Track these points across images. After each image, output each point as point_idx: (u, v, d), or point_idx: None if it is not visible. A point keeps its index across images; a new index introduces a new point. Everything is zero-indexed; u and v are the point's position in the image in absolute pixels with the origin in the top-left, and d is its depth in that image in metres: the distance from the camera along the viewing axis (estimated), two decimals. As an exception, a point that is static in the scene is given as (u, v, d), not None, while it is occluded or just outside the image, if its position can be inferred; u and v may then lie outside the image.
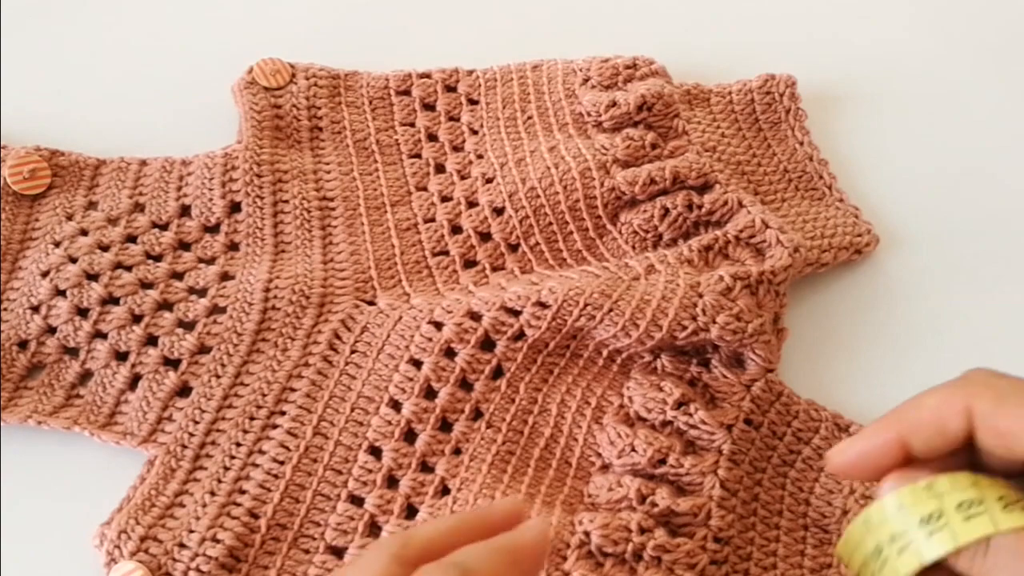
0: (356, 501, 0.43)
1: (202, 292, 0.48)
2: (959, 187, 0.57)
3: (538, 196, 0.52)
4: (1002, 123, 0.60)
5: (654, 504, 0.41)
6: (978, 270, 0.53)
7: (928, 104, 0.61)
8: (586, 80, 0.57)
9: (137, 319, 0.47)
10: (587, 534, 0.40)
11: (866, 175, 0.57)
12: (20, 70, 0.57)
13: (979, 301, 0.52)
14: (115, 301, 0.47)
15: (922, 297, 0.52)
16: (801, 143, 0.57)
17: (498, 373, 0.46)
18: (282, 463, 0.43)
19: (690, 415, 0.44)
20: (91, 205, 0.51)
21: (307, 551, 0.41)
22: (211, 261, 0.49)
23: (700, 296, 0.45)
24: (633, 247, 0.51)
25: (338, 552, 0.41)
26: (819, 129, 0.58)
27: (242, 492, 0.42)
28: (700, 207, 0.51)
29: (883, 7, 0.66)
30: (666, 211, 0.51)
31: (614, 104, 0.54)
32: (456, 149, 0.55)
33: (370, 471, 0.43)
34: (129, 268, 0.48)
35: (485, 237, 0.52)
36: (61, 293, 0.47)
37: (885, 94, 0.61)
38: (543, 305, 0.46)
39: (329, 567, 0.40)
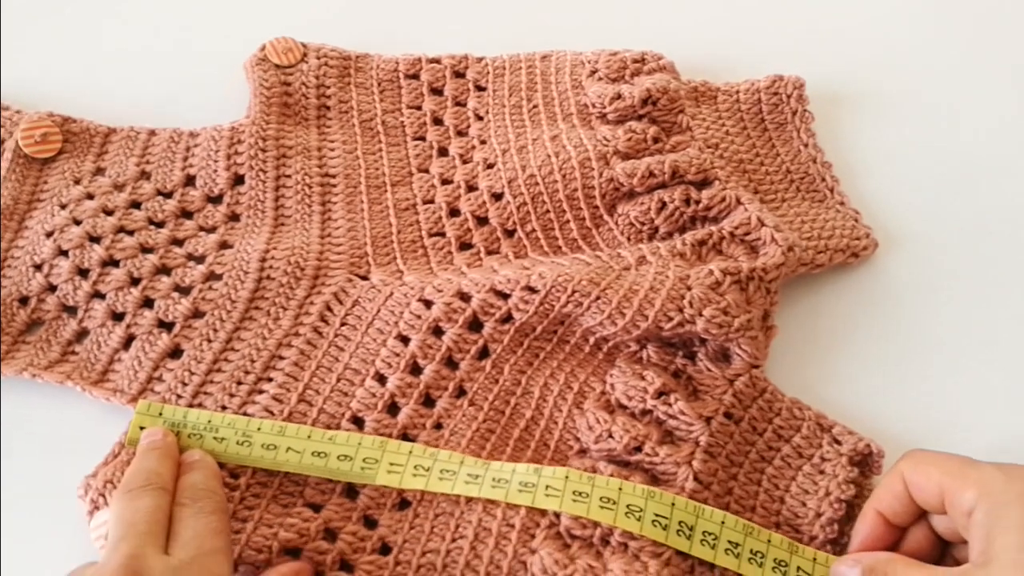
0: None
1: (200, 259, 0.49)
2: (961, 190, 0.56)
3: (537, 184, 0.52)
4: (1008, 127, 0.60)
5: None
6: (975, 275, 0.53)
7: (935, 107, 0.60)
8: (593, 72, 0.57)
9: (135, 282, 0.48)
10: (557, 515, 0.41)
11: (870, 177, 0.57)
12: (38, 43, 0.59)
13: (973, 307, 0.52)
14: (115, 263, 0.48)
15: (917, 301, 0.52)
16: (806, 145, 0.57)
17: (484, 354, 0.47)
18: (264, 424, 0.44)
19: (669, 405, 0.44)
20: (99, 171, 0.52)
21: (286, 505, 0.42)
22: (211, 230, 0.50)
23: (688, 289, 0.46)
24: (629, 238, 0.51)
25: (316, 507, 0.42)
26: (825, 130, 0.58)
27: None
28: (698, 202, 0.51)
29: (894, 9, 0.66)
30: (663, 204, 0.51)
31: (619, 97, 0.55)
32: (460, 134, 0.56)
33: (350, 440, 0.44)
34: (131, 232, 0.49)
35: (482, 221, 0.52)
36: (63, 253, 0.48)
37: (894, 96, 0.61)
38: (532, 290, 0.46)
39: (307, 518, 0.41)
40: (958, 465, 0.38)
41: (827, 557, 0.41)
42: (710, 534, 0.41)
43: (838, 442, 0.45)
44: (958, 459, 0.38)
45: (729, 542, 0.41)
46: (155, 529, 0.37)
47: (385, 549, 0.41)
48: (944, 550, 0.40)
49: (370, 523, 0.42)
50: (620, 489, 0.41)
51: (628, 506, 0.40)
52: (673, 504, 0.41)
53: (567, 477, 0.41)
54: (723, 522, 0.41)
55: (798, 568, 0.41)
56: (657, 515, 0.40)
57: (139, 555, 0.36)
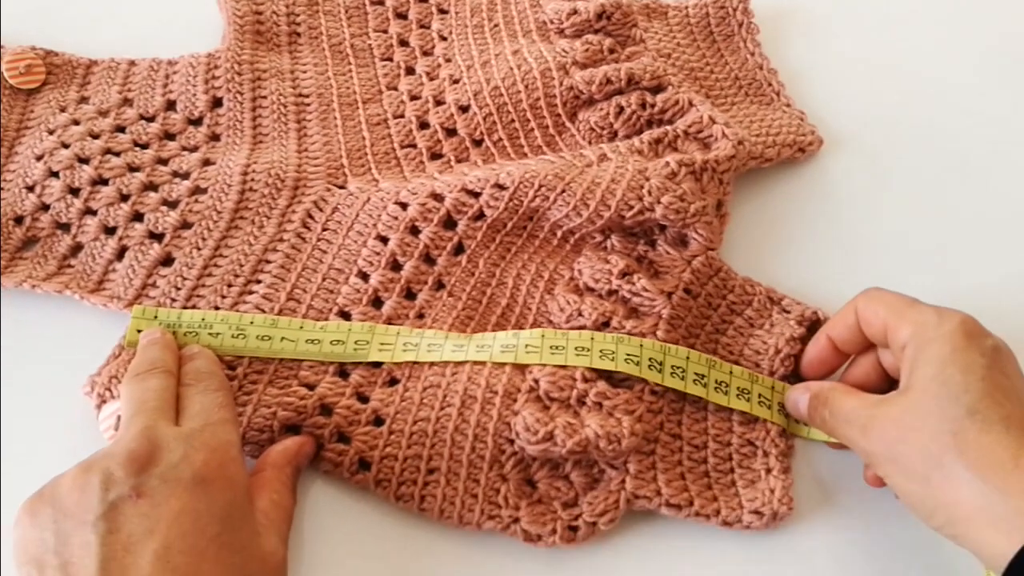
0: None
1: (185, 175, 0.52)
2: (898, 97, 0.61)
3: (501, 95, 0.55)
4: (943, 38, 0.64)
5: None
6: (908, 171, 0.58)
7: (873, 20, 0.65)
8: (550, -10, 0.60)
9: (124, 198, 0.50)
10: (536, 381, 0.44)
11: (813, 85, 0.61)
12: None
13: (906, 200, 0.56)
14: (104, 182, 0.51)
15: (857, 194, 0.56)
16: (752, 54, 0.60)
17: (459, 250, 0.50)
18: (257, 320, 0.47)
19: (633, 284, 0.48)
20: (83, 100, 0.55)
21: (282, 388, 0.45)
22: (194, 149, 0.53)
23: (647, 179, 0.49)
24: (590, 143, 0.55)
25: (311, 386, 0.45)
26: (770, 43, 0.62)
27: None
28: (653, 106, 0.54)
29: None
30: (621, 109, 0.54)
31: (575, 12, 0.58)
32: (426, 54, 0.59)
33: (340, 330, 0.47)
34: (118, 154, 0.52)
35: (451, 132, 0.55)
36: (54, 174, 0.50)
37: (834, 11, 0.65)
38: (501, 187, 0.49)
39: (303, 395, 0.44)
40: (902, 305, 0.41)
41: (783, 385, 0.46)
42: (678, 367, 0.45)
43: (787, 311, 0.49)
44: (905, 300, 0.42)
45: (696, 374, 0.45)
46: (164, 406, 0.40)
47: (378, 421, 0.44)
48: (891, 382, 0.44)
49: (363, 399, 0.45)
50: (592, 339, 0.45)
51: (601, 351, 0.44)
52: (642, 345, 0.45)
53: (543, 335, 0.45)
54: (688, 357, 0.45)
55: (759, 395, 0.45)
56: (629, 355, 0.44)
57: (152, 426, 0.38)
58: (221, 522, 0.36)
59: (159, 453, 0.37)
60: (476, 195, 0.50)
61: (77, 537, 0.35)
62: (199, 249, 0.49)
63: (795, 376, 0.47)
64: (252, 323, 0.46)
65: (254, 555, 0.37)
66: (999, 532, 0.34)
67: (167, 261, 0.49)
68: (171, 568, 0.34)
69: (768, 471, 0.43)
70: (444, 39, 0.59)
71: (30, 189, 0.50)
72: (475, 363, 0.45)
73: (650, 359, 0.44)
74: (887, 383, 0.44)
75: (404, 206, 0.50)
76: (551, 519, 0.42)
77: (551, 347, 0.45)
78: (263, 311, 0.47)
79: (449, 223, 0.50)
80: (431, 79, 0.57)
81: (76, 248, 0.50)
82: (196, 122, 0.54)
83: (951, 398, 0.37)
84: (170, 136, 0.53)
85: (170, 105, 0.55)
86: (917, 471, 0.37)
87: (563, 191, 0.49)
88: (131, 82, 0.55)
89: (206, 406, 0.40)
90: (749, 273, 0.51)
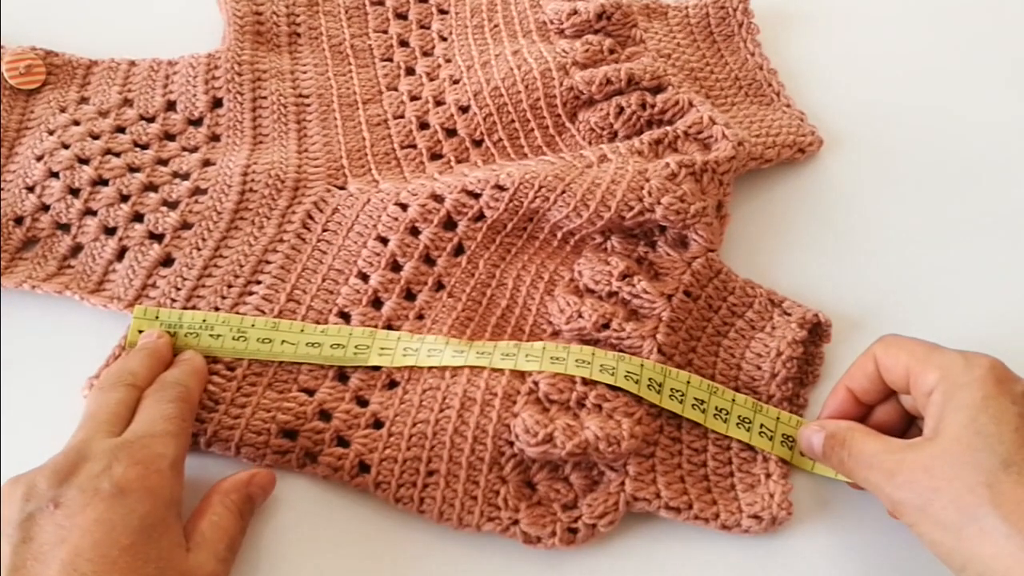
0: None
1: (185, 176, 0.52)
2: (898, 97, 0.61)
3: (501, 95, 0.55)
4: (941, 37, 0.64)
5: None
6: (909, 173, 0.58)
7: (873, 20, 0.65)
8: (550, -9, 0.60)
9: (124, 198, 0.50)
10: (536, 383, 0.44)
11: (813, 85, 0.61)
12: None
13: (907, 201, 0.56)
14: (104, 183, 0.51)
15: (857, 195, 0.56)
16: (752, 54, 0.60)
17: (459, 251, 0.50)
18: (257, 320, 0.47)
19: (633, 285, 0.48)
20: (83, 100, 0.55)
21: (281, 392, 0.45)
22: (194, 150, 0.53)
23: (647, 180, 0.49)
24: (590, 143, 0.55)
25: (310, 392, 0.45)
26: (770, 43, 0.62)
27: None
28: (653, 106, 0.54)
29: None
30: (621, 109, 0.54)
31: (575, 12, 0.58)
32: (426, 54, 0.59)
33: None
34: (118, 154, 0.52)
35: (451, 133, 0.55)
36: (54, 175, 0.50)
37: (833, 10, 0.65)
38: (501, 188, 0.49)
39: (302, 401, 0.44)
40: (925, 350, 0.40)
41: (789, 416, 0.45)
42: (677, 391, 0.44)
43: (788, 313, 0.49)
44: (926, 345, 0.41)
45: (695, 399, 0.44)
46: (113, 420, 0.40)
47: (378, 424, 0.44)
48: (910, 423, 0.44)
49: (362, 403, 0.45)
50: (593, 354, 0.45)
51: (602, 365, 0.44)
52: (642, 365, 0.44)
53: (544, 347, 0.45)
54: (688, 382, 0.45)
55: (761, 425, 0.45)
56: (628, 372, 0.44)
57: (87, 439, 0.39)
58: (137, 533, 0.36)
59: (83, 464, 0.37)
60: (476, 196, 0.50)
61: None
62: (199, 250, 0.49)
63: (796, 378, 0.47)
64: (253, 325, 0.46)
65: (173, 567, 0.37)
66: None
67: (167, 262, 0.49)
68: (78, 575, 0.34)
69: (768, 475, 0.43)
70: (444, 39, 0.59)
71: (30, 189, 0.50)
72: (474, 367, 0.45)
73: (649, 379, 0.44)
74: (906, 424, 0.43)
75: (404, 207, 0.50)
76: (550, 521, 0.42)
77: (551, 357, 0.44)
78: (263, 312, 0.47)
79: (449, 224, 0.50)
80: (431, 79, 0.57)
81: (76, 249, 0.50)
82: (196, 122, 0.54)
83: (986, 449, 0.36)
84: (170, 136, 0.53)
85: (170, 105, 0.55)
86: (950, 522, 0.36)
87: (563, 192, 0.49)
88: (131, 82, 0.55)
89: (151, 417, 0.40)
90: (749, 274, 0.51)
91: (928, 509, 0.37)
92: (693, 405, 0.44)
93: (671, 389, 0.44)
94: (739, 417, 0.45)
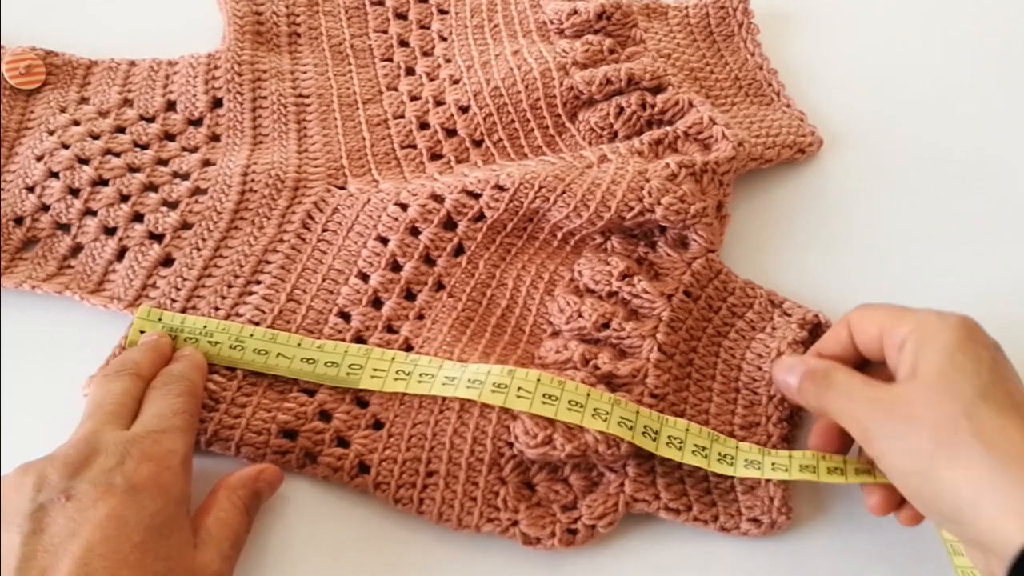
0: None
1: (185, 176, 0.52)
2: (898, 97, 0.61)
3: (501, 95, 0.55)
4: (941, 37, 0.64)
5: (596, 367, 0.45)
6: (909, 172, 0.57)
7: (873, 20, 0.65)
8: (550, -9, 0.60)
9: (125, 198, 0.50)
10: (535, 386, 0.44)
11: (813, 85, 0.61)
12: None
13: (907, 201, 0.56)
14: (104, 183, 0.51)
15: (857, 195, 0.56)
16: (752, 54, 0.60)
17: (459, 251, 0.50)
18: (257, 324, 0.47)
19: (633, 285, 0.48)
20: (83, 100, 0.55)
21: (282, 392, 0.45)
22: (194, 150, 0.53)
23: (647, 180, 0.49)
24: (590, 143, 0.55)
25: (310, 392, 0.45)
26: (770, 43, 0.62)
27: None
28: (653, 106, 0.54)
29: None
30: (621, 110, 0.54)
31: (575, 12, 0.58)
32: (426, 54, 0.59)
33: (339, 331, 0.47)
34: (118, 154, 0.52)
35: (451, 133, 0.55)
36: (54, 175, 0.50)
37: (833, 10, 0.65)
38: (501, 188, 0.49)
39: (302, 402, 0.44)
40: (899, 309, 0.41)
41: (803, 453, 0.43)
42: (675, 438, 0.43)
43: (788, 314, 0.48)
44: (901, 307, 0.42)
45: (696, 445, 0.43)
46: (120, 411, 0.40)
47: (378, 425, 0.44)
48: None
49: (362, 403, 0.45)
50: (588, 395, 0.43)
51: (595, 409, 0.43)
52: (638, 412, 0.43)
53: (539, 380, 0.43)
54: (687, 429, 0.44)
55: (772, 464, 0.43)
56: (623, 418, 0.43)
57: (97, 430, 0.39)
58: (148, 530, 0.36)
59: (95, 457, 0.37)
60: (476, 196, 0.50)
61: (4, 537, 0.35)
62: (199, 250, 0.49)
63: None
64: (252, 336, 0.46)
65: (182, 565, 0.37)
66: (1007, 517, 0.34)
67: (167, 262, 0.49)
68: (89, 571, 0.34)
69: (767, 479, 0.43)
70: (444, 39, 0.59)
71: (30, 190, 0.50)
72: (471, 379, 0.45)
73: (645, 427, 0.43)
74: None
75: (404, 207, 0.50)
76: (550, 522, 0.42)
77: (544, 395, 0.43)
78: (263, 312, 0.47)
79: (449, 224, 0.50)
80: (431, 79, 0.57)
81: (76, 249, 0.50)
82: (196, 123, 0.54)
83: (964, 381, 0.37)
84: (170, 137, 0.53)
85: (170, 106, 0.55)
86: (923, 450, 0.36)
87: (563, 192, 0.49)
88: (131, 83, 0.55)
89: (160, 411, 0.40)
90: (749, 274, 0.51)
91: (905, 438, 0.37)
92: (693, 451, 0.43)
93: (668, 436, 0.43)
94: (746, 460, 0.43)
